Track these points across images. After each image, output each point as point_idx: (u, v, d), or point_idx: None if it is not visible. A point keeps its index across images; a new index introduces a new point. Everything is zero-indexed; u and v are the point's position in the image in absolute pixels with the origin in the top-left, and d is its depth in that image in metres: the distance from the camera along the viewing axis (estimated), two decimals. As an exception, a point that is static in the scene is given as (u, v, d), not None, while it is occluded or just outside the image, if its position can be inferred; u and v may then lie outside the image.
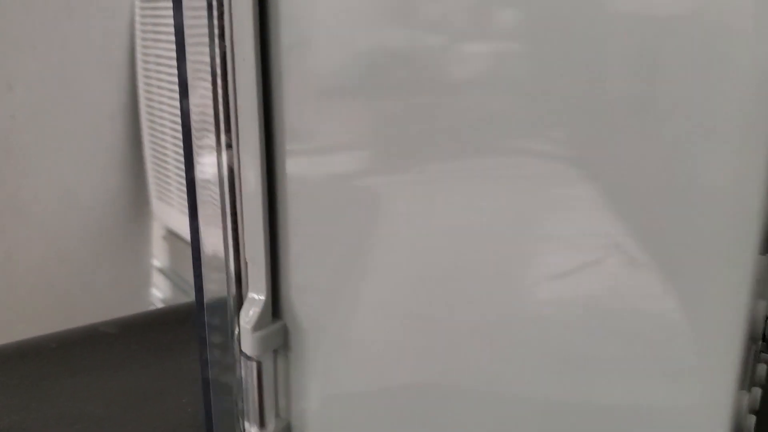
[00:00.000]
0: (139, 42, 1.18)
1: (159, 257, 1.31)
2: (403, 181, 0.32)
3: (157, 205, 1.24)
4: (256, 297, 0.36)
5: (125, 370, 0.49)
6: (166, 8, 1.08)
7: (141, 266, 1.30)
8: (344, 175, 0.34)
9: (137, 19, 1.17)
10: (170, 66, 1.09)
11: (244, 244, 0.36)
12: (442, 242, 0.32)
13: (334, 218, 0.35)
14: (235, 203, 0.36)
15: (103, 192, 1.21)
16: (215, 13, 0.35)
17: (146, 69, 1.17)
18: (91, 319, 0.57)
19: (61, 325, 0.56)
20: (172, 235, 1.25)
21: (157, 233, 1.30)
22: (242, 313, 0.36)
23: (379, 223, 0.33)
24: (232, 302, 0.37)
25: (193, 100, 0.38)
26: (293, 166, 0.35)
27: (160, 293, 1.31)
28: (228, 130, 0.36)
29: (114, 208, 1.22)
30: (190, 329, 0.55)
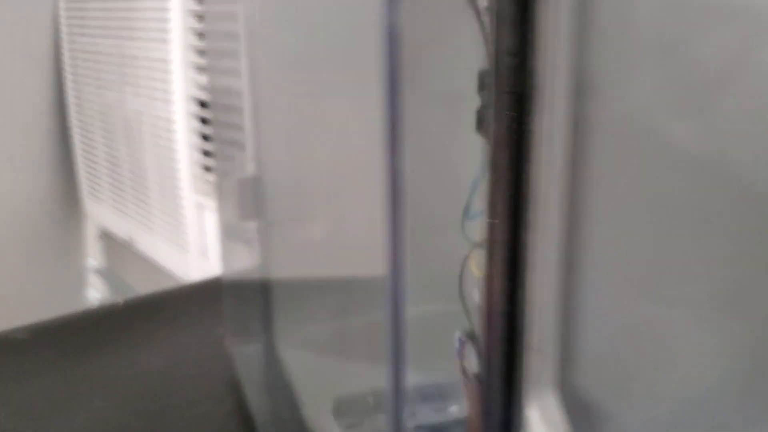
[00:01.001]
0: (64, 36, 1.14)
1: (94, 256, 1.28)
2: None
3: (89, 204, 1.21)
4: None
5: (35, 378, 0.47)
6: (92, 0, 1.05)
7: (75, 266, 1.26)
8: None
9: (62, 12, 1.13)
10: (98, 61, 1.06)
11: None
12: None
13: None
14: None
15: (32, 191, 1.17)
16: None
17: (73, 65, 1.14)
18: (27, 322, 0.55)
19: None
20: (106, 234, 1.22)
21: (91, 232, 1.27)
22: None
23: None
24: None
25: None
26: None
27: (97, 293, 1.28)
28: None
29: (44, 207, 1.19)
30: (104, 332, 0.54)
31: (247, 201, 0.52)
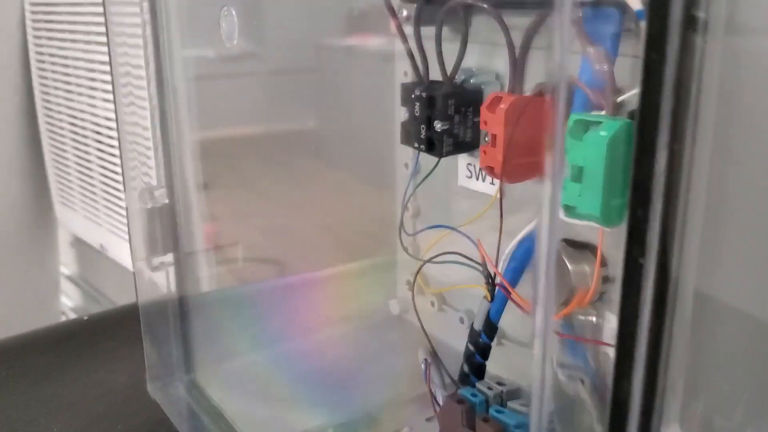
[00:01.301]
0: (31, 41, 1.12)
1: (67, 265, 1.26)
2: None
3: (60, 211, 1.19)
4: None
5: (-5, 399, 0.46)
6: (59, 4, 1.03)
7: (48, 275, 1.24)
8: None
9: (28, 15, 1.11)
10: (65, 66, 1.04)
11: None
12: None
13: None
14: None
15: (2, 199, 1.15)
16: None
17: (41, 69, 1.12)
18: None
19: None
20: (79, 242, 1.20)
21: (63, 239, 1.25)
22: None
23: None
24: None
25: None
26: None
27: (70, 302, 1.26)
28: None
29: (15, 215, 1.17)
30: (68, 349, 0.53)
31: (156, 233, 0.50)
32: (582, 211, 0.34)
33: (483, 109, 0.41)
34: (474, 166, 0.52)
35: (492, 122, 0.41)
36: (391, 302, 0.64)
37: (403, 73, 0.57)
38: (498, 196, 0.48)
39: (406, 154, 0.59)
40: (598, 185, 0.33)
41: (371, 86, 0.58)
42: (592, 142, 0.33)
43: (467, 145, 0.48)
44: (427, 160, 0.54)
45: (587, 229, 0.45)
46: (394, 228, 0.62)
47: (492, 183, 0.51)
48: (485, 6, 0.41)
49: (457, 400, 0.39)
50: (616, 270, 0.43)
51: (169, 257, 0.50)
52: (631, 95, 0.35)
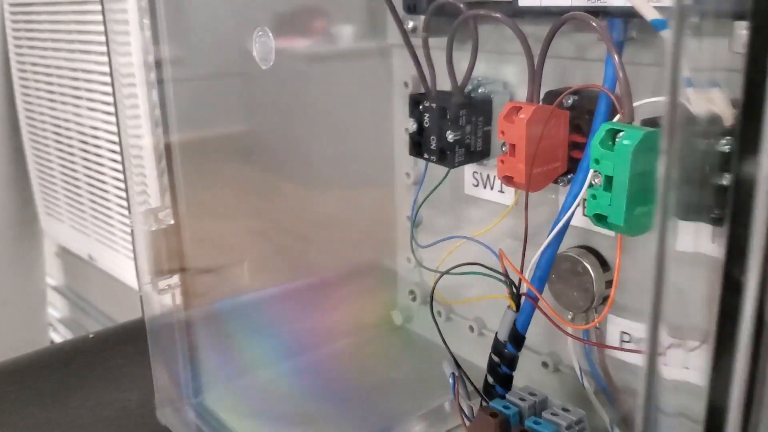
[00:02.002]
0: (12, 50, 1.10)
1: (53, 275, 1.24)
2: None
3: (46, 221, 1.17)
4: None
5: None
6: (40, 12, 1.01)
7: (34, 285, 1.22)
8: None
9: (8, 24, 1.09)
10: (48, 74, 1.02)
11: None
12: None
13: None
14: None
15: (-16, 211, 1.13)
16: None
17: (23, 78, 1.10)
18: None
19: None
20: (65, 252, 1.18)
21: (49, 250, 1.23)
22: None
23: None
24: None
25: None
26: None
27: (57, 313, 1.24)
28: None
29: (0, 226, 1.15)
30: (74, 370, 0.52)
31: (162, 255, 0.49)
32: (612, 221, 0.34)
33: (501, 119, 0.41)
34: (480, 174, 0.52)
35: (511, 132, 0.41)
36: (394, 313, 0.64)
37: (403, 83, 0.56)
38: (513, 204, 0.48)
39: (406, 163, 0.59)
40: (623, 194, 0.33)
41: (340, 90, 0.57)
42: (619, 151, 0.33)
43: (478, 154, 0.48)
44: (432, 170, 0.54)
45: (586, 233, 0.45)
46: (394, 237, 0.62)
47: (501, 191, 0.51)
48: (498, 16, 0.40)
49: (491, 413, 0.39)
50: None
51: (175, 279, 0.49)
52: (645, 103, 0.35)
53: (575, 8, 0.38)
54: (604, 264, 0.45)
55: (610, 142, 0.33)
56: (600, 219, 0.35)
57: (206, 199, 0.50)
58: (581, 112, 0.42)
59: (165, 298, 0.50)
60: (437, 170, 0.52)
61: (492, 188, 0.52)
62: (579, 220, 0.46)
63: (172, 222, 0.49)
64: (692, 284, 0.34)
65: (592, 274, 0.44)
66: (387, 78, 0.58)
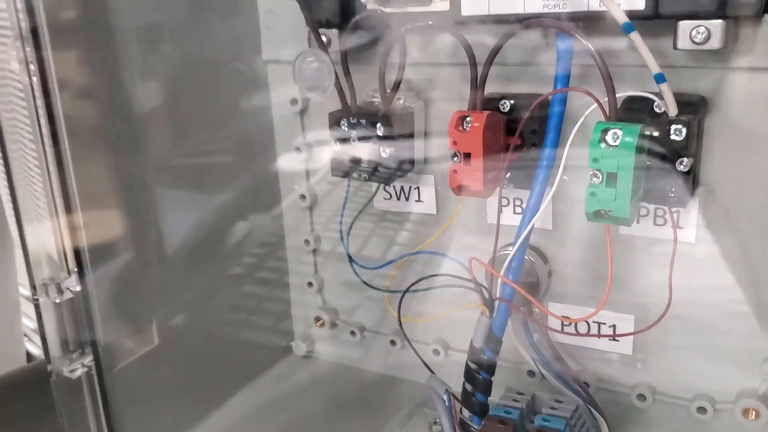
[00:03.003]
0: None
1: (26, 285, 1.00)
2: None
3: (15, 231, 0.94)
4: None
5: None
6: None
7: (6, 296, 0.98)
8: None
9: None
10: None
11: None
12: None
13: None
14: None
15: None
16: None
17: None
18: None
19: None
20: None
21: (20, 259, 0.98)
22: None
23: None
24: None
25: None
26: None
27: (31, 323, 1.01)
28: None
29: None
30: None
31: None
32: (616, 215, 0.36)
33: (451, 128, 0.41)
34: (395, 187, 0.51)
35: (465, 141, 0.41)
36: (295, 343, 0.60)
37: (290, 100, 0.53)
38: (456, 213, 0.48)
39: (298, 185, 0.56)
40: (628, 187, 0.35)
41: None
42: (622, 148, 0.35)
43: (408, 166, 0.48)
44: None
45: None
46: (285, 265, 0.58)
47: (420, 200, 0.51)
48: (447, 28, 0.40)
49: (500, 421, 0.39)
50: (554, 265, 0.47)
51: (88, 358, 0.42)
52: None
53: (526, 15, 0.39)
54: (543, 257, 0.47)
55: (606, 140, 0.35)
56: (598, 215, 0.36)
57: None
58: (516, 116, 0.43)
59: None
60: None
61: (408, 199, 0.51)
62: (509, 218, 0.47)
63: (78, 289, 0.41)
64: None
65: (537, 269, 0.47)
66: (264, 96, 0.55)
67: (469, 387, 0.43)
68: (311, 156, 0.54)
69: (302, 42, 0.48)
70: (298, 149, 0.54)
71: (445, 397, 0.41)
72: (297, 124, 0.54)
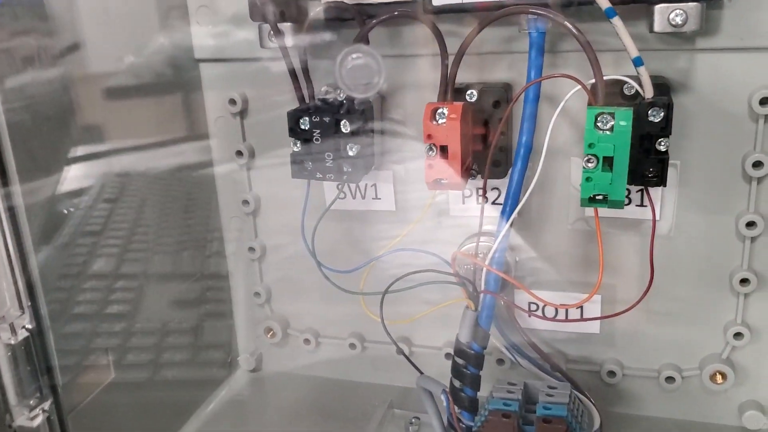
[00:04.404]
0: None
1: None
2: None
3: None
4: None
5: None
6: None
7: None
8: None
9: None
10: None
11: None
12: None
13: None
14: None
15: None
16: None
17: None
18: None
19: None
20: None
21: None
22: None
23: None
24: None
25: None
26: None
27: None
28: None
29: None
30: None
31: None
32: (613, 198, 0.36)
33: (426, 121, 0.40)
34: (348, 185, 0.49)
35: (440, 134, 0.40)
36: (242, 358, 0.57)
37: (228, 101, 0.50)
38: (429, 203, 0.47)
39: (241, 191, 0.52)
40: (624, 171, 0.36)
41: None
42: (618, 132, 0.35)
43: (371, 163, 0.46)
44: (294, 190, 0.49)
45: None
46: (225, 275, 0.55)
47: (377, 198, 0.49)
48: (419, 17, 0.39)
49: (503, 414, 0.38)
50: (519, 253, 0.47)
51: (47, 401, 0.37)
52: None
53: (500, 3, 0.38)
54: (509, 246, 0.47)
55: (598, 125, 0.35)
56: (593, 200, 0.36)
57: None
58: (480, 106, 0.43)
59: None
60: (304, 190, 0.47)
61: (364, 197, 0.50)
62: (474, 210, 0.47)
63: (32, 326, 0.36)
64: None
65: (507, 258, 0.46)
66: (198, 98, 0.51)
67: (457, 383, 0.42)
68: (254, 159, 0.51)
69: (252, 38, 0.45)
70: (239, 153, 0.51)
71: (443, 397, 0.40)
72: (236, 126, 0.50)
